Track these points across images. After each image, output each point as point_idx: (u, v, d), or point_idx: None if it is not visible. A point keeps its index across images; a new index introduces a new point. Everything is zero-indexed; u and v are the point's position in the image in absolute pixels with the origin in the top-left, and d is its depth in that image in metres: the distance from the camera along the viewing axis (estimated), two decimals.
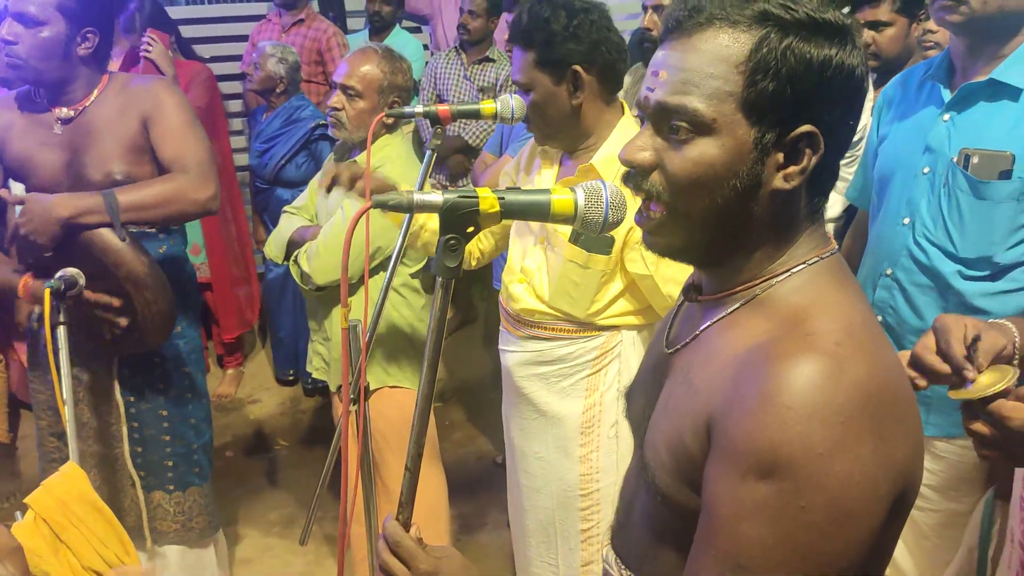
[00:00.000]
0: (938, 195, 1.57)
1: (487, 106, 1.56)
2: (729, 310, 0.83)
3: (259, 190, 3.45)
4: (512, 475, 1.92)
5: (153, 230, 2.05)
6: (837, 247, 0.86)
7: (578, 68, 1.58)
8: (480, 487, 2.99)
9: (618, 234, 1.57)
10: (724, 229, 0.81)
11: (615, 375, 1.71)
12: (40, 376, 2.10)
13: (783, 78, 0.75)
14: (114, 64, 3.22)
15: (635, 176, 0.82)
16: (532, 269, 1.73)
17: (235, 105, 4.27)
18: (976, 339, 1.06)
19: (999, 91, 1.51)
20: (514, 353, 1.79)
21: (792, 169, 0.78)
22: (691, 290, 0.92)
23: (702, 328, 0.86)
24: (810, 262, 0.82)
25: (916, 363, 1.10)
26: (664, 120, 0.80)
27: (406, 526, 0.97)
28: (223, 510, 2.91)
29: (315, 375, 2.42)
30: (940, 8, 1.50)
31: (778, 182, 0.79)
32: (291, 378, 3.68)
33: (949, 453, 1.61)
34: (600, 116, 1.66)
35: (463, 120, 3.36)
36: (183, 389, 2.15)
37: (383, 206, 0.84)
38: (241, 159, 4.13)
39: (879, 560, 0.78)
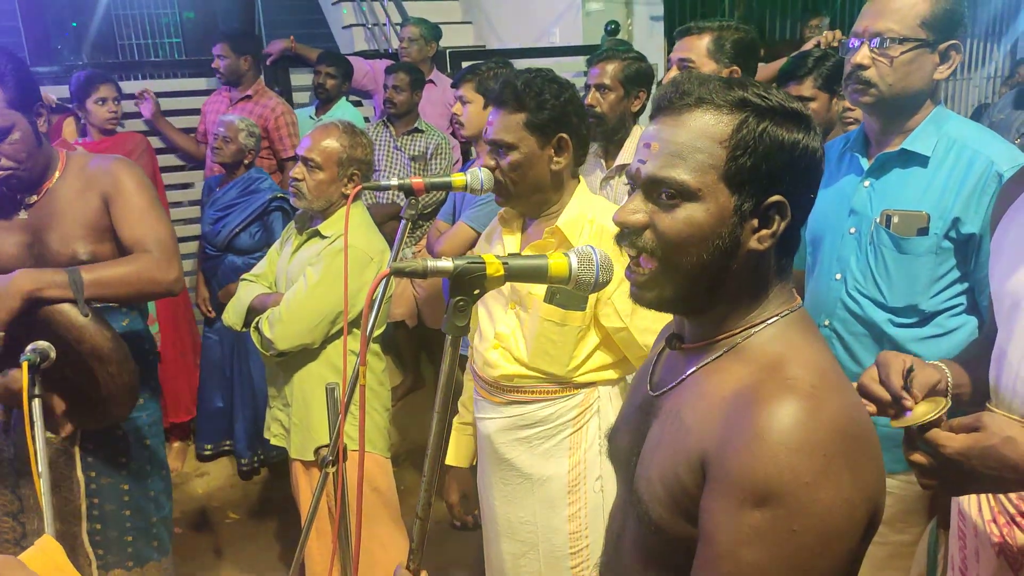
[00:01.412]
0: (865, 252, 1.74)
1: (458, 178, 1.66)
2: (713, 357, 0.94)
3: (208, 256, 3.46)
4: (492, 545, 1.91)
5: (115, 305, 2.05)
6: (801, 302, 0.98)
7: (564, 136, 1.70)
8: (440, 549, 2.99)
9: None
10: (707, 282, 0.92)
11: (596, 431, 1.75)
12: None
13: (759, 155, 0.88)
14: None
15: (629, 235, 0.94)
16: (506, 334, 1.76)
17: (172, 178, 4.26)
18: (910, 370, 1.18)
19: (910, 159, 1.71)
20: (493, 420, 1.81)
21: (764, 232, 0.91)
22: (674, 339, 1.02)
23: (688, 373, 0.96)
24: (782, 315, 0.94)
25: (862, 391, 1.21)
26: (655, 188, 0.92)
27: (416, 573, 1.02)
28: None
29: (273, 442, 2.41)
30: (853, 91, 1.71)
31: (753, 243, 0.91)
32: (246, 467, 3.59)
33: (894, 488, 1.74)
34: (567, 184, 1.76)
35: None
36: (143, 462, 2.13)
37: (400, 273, 0.92)
38: (182, 230, 4.12)
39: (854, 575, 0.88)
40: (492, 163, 1.71)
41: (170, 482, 2.25)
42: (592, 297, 1.65)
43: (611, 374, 1.77)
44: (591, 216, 1.73)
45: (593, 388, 1.76)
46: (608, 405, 1.77)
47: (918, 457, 1.15)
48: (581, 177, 1.82)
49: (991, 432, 1.09)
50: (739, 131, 0.88)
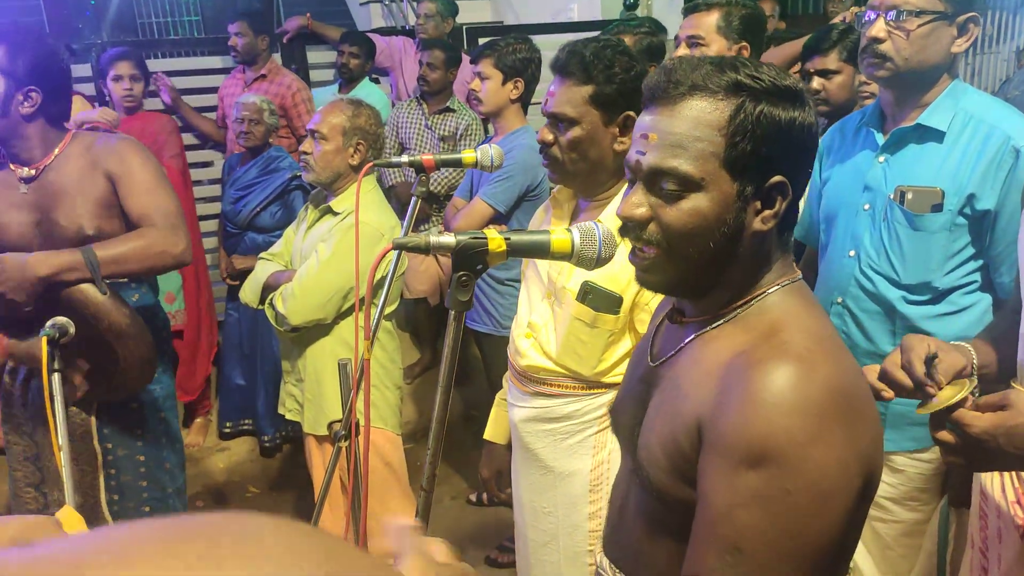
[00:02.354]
0: (879, 229, 1.72)
1: (468, 155, 1.65)
2: (712, 326, 0.95)
3: (229, 234, 3.49)
4: (520, 527, 1.88)
5: (125, 280, 2.09)
6: (800, 275, 0.98)
7: (632, 114, 1.57)
8: (455, 526, 3.03)
9: (627, 295, 1.58)
10: (712, 267, 0.93)
11: None
12: (14, 428, 2.10)
13: (758, 139, 0.88)
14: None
15: (633, 228, 0.94)
16: (539, 324, 1.70)
17: (193, 156, 4.28)
18: (934, 357, 1.17)
19: (925, 134, 1.68)
20: (521, 409, 1.76)
21: (767, 213, 0.91)
22: (675, 313, 1.03)
23: (687, 341, 0.97)
24: (782, 284, 0.95)
25: (884, 377, 1.21)
26: (656, 180, 0.92)
27: None
28: None
29: (288, 416, 2.44)
30: (869, 65, 1.68)
31: (757, 225, 0.91)
32: (268, 444, 3.62)
33: (906, 466, 1.74)
34: None
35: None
36: (158, 434, 2.17)
37: (404, 247, 0.93)
38: (203, 208, 4.15)
39: (851, 542, 0.89)
40: (550, 137, 1.61)
41: (183, 455, 2.30)
42: (628, 302, 1.59)
43: None
44: None
45: None
46: None
47: (945, 435, 1.14)
48: None
49: (1018, 411, 1.08)
50: (736, 116, 0.88)
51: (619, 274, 1.56)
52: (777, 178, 0.90)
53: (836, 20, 3.16)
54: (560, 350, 1.65)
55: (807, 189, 2.19)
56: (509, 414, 1.82)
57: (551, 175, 1.66)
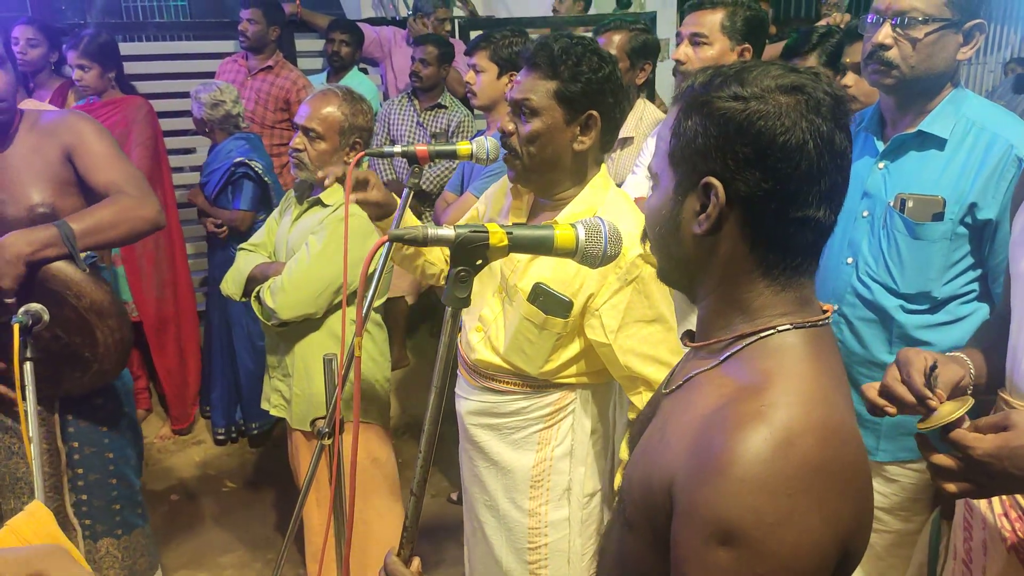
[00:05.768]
0: (878, 236, 1.70)
1: (463, 147, 1.61)
2: (712, 364, 0.89)
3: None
4: (465, 519, 1.88)
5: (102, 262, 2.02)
6: (827, 320, 0.88)
7: (595, 114, 1.55)
8: (436, 524, 2.98)
9: (578, 300, 1.56)
10: (678, 265, 0.92)
11: (568, 431, 1.67)
12: None
13: (690, 134, 0.86)
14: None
15: None
16: (489, 318, 1.69)
17: (179, 142, 4.21)
18: (933, 368, 1.13)
19: (926, 141, 1.66)
20: (468, 401, 1.76)
21: (701, 216, 0.85)
22: (688, 334, 0.97)
23: (688, 377, 0.92)
24: (796, 325, 0.85)
25: (886, 393, 1.17)
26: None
27: (408, 558, 1.00)
28: (172, 555, 2.83)
29: (273, 412, 2.37)
30: (873, 72, 1.65)
31: (695, 227, 0.86)
32: (221, 436, 3.55)
33: (900, 476, 1.72)
34: (587, 169, 1.62)
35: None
36: (123, 429, 2.11)
37: (399, 239, 0.89)
38: (184, 196, 4.07)
39: None
40: (511, 127, 1.57)
41: (143, 448, 2.25)
42: (579, 306, 1.56)
43: (593, 379, 1.68)
44: (602, 213, 1.57)
45: (570, 390, 1.67)
46: (584, 408, 1.68)
47: (941, 459, 1.10)
48: (604, 166, 1.68)
49: (1022, 431, 1.04)
50: (681, 114, 0.88)
51: (572, 279, 1.55)
52: (708, 178, 0.83)
53: (821, 23, 3.15)
54: (508, 348, 1.64)
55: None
56: (456, 406, 1.81)
57: (509, 172, 1.62)
